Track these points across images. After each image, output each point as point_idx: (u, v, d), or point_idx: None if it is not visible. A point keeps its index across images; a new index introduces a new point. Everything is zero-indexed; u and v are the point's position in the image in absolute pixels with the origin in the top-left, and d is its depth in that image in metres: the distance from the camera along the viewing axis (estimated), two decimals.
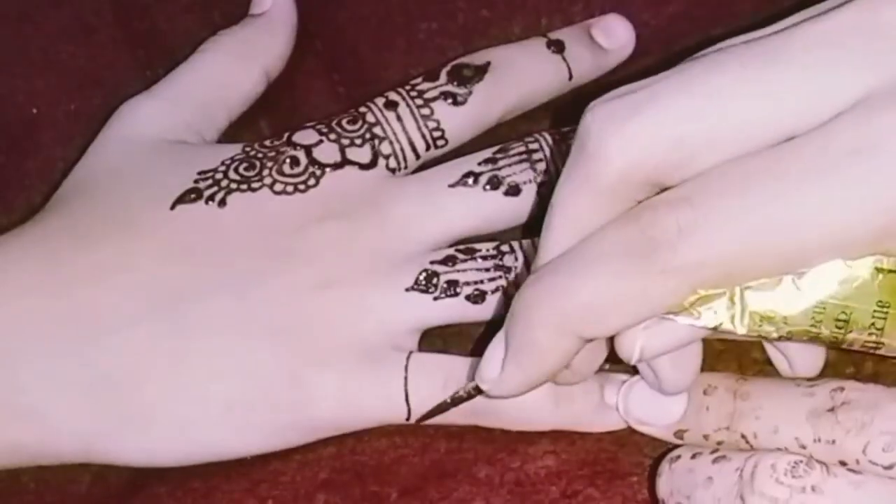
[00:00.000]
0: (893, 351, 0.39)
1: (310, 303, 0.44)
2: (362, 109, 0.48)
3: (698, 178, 0.37)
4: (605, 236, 0.38)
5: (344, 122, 0.48)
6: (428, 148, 0.48)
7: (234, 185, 0.46)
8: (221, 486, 0.44)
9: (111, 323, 0.44)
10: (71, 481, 0.46)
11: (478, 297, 0.45)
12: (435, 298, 0.45)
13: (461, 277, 0.45)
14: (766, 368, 0.44)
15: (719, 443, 0.41)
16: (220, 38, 0.51)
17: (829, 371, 0.43)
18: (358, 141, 0.47)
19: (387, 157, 0.47)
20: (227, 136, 0.50)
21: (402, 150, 0.48)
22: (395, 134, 0.48)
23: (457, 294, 0.45)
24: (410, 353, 0.45)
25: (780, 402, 0.41)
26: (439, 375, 0.44)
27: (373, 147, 0.47)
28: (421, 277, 0.45)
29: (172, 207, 0.46)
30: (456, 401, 0.42)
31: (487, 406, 0.44)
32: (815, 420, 0.40)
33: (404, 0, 0.51)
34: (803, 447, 0.39)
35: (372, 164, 0.47)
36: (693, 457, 0.41)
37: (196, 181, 0.46)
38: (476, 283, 0.45)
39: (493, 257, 0.45)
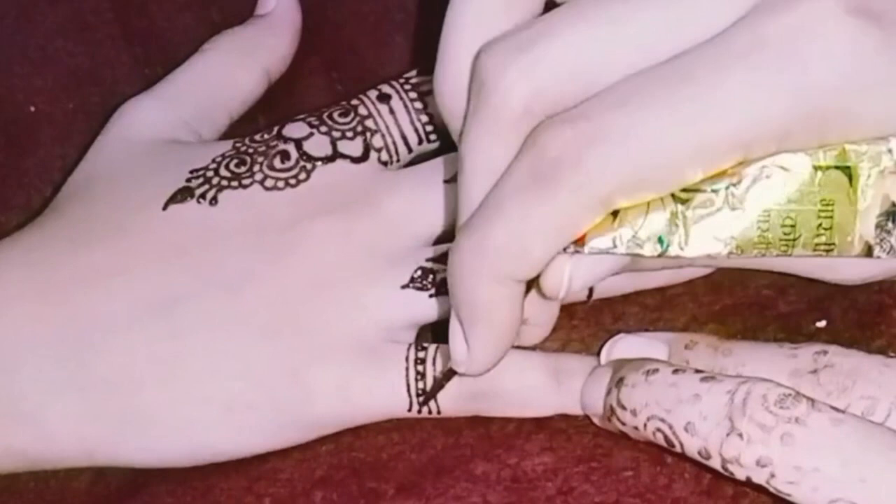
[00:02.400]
0: (845, 251, 0.39)
1: (305, 301, 0.44)
2: (354, 102, 0.48)
3: (594, 95, 0.37)
4: (510, 171, 0.38)
5: (335, 115, 0.48)
6: (420, 142, 0.48)
7: (225, 183, 0.46)
8: (220, 483, 0.45)
9: (107, 326, 0.44)
10: (71, 480, 0.46)
11: None
12: (431, 296, 0.45)
13: None
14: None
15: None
16: (221, 38, 0.51)
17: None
18: (349, 134, 0.47)
19: (378, 151, 0.47)
20: (226, 134, 0.50)
21: (394, 143, 0.47)
22: (387, 127, 0.47)
23: None
24: (409, 344, 0.45)
25: (763, 360, 0.41)
26: (440, 364, 0.44)
27: (364, 140, 0.47)
28: (416, 275, 0.45)
29: (165, 208, 0.46)
30: (440, 382, 0.43)
31: (490, 392, 0.44)
32: (797, 380, 0.40)
33: None
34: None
35: (363, 157, 0.47)
36: (675, 372, 0.40)
37: (188, 180, 0.46)
38: None
39: None
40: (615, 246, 0.39)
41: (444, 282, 0.45)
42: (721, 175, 0.38)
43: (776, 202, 0.38)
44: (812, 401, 0.38)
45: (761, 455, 0.38)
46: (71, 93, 0.53)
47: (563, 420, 0.44)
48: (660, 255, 0.39)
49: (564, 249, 0.39)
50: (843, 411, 0.38)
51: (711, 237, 0.39)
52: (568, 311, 0.45)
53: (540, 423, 0.44)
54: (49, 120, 0.52)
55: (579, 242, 0.39)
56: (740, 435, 0.38)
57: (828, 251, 0.39)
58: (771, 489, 0.38)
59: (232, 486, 0.44)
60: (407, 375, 0.44)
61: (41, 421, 0.44)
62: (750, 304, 0.45)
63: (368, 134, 0.47)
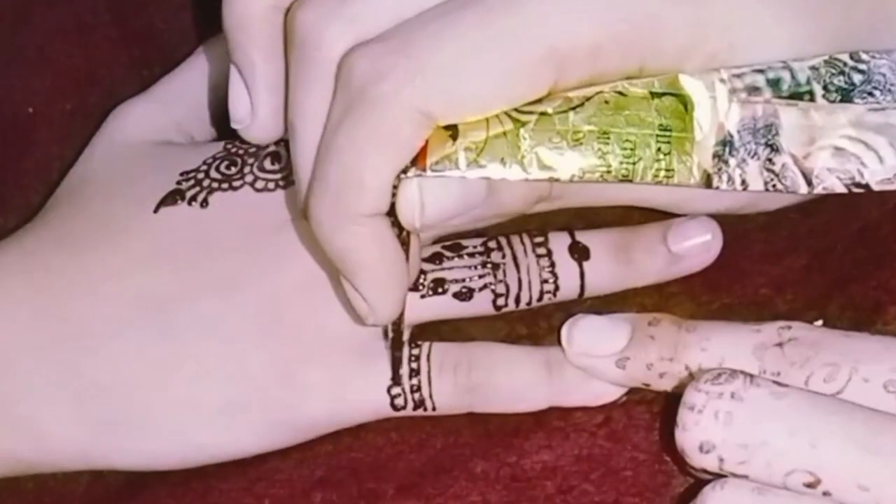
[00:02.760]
0: (685, 179, 0.40)
1: (296, 302, 0.44)
2: None
3: (403, 21, 0.38)
4: (330, 112, 0.39)
5: None
6: None
7: (215, 185, 0.46)
8: (219, 484, 0.45)
9: (101, 331, 0.44)
10: (69, 481, 0.46)
11: (465, 295, 0.45)
12: (422, 296, 0.45)
13: (448, 275, 0.45)
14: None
15: (661, 374, 0.41)
16: (216, 41, 0.51)
17: None
18: None
19: None
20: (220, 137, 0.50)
21: None
22: None
23: (444, 292, 0.45)
24: (403, 342, 0.45)
25: (727, 335, 0.41)
26: (435, 358, 0.44)
27: None
28: None
29: (156, 210, 0.46)
30: (393, 353, 0.43)
31: (483, 387, 0.44)
32: (762, 353, 0.40)
33: None
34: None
35: None
36: None
37: (179, 182, 0.46)
38: (463, 280, 0.45)
39: (480, 254, 0.45)
40: (457, 166, 0.39)
41: (435, 283, 0.45)
42: (560, 99, 0.39)
43: (615, 125, 0.39)
44: (751, 376, 0.38)
45: (701, 440, 0.38)
46: (69, 94, 0.53)
47: (561, 418, 0.44)
48: (503, 178, 0.39)
49: (406, 173, 0.39)
50: (785, 385, 0.38)
51: (553, 160, 0.39)
52: (567, 312, 0.45)
53: (538, 422, 0.44)
54: (47, 121, 0.52)
55: (421, 166, 0.39)
56: (676, 424, 0.38)
57: (668, 178, 0.39)
58: (729, 476, 0.38)
59: (231, 488, 0.45)
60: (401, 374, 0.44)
61: (36, 425, 0.44)
62: (748, 303, 0.45)
63: None
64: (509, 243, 0.45)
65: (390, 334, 0.43)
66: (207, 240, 0.45)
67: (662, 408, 0.43)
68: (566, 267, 0.45)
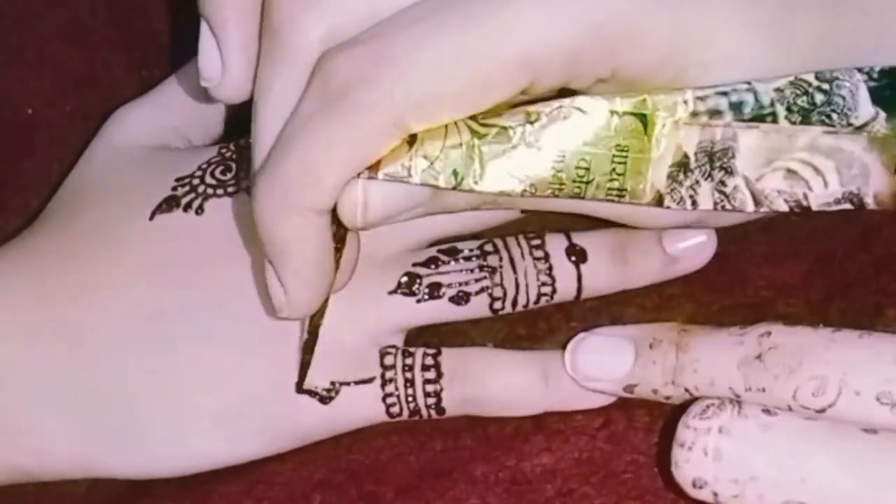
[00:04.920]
0: (637, 198, 0.40)
1: None
2: None
3: (383, 20, 0.38)
4: (301, 101, 0.38)
5: None
6: None
7: (210, 191, 0.46)
8: (219, 488, 0.45)
9: (98, 341, 0.44)
10: (69, 485, 0.46)
11: (461, 299, 0.45)
12: (418, 301, 0.45)
13: (444, 279, 0.45)
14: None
15: (667, 397, 0.41)
16: None
17: None
18: None
19: None
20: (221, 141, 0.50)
21: None
22: None
23: (440, 296, 0.45)
24: (397, 349, 0.45)
25: (714, 353, 0.41)
26: (418, 365, 0.44)
27: None
28: (403, 280, 0.45)
29: (151, 217, 0.46)
30: (303, 357, 0.43)
31: (479, 394, 0.44)
32: (746, 369, 0.40)
33: None
34: (738, 397, 0.39)
35: None
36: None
37: (174, 188, 0.46)
38: (459, 284, 0.45)
39: (476, 258, 0.45)
40: (410, 175, 0.39)
41: (431, 287, 0.45)
42: (518, 113, 0.39)
43: (572, 143, 0.39)
44: (739, 405, 0.38)
45: (694, 477, 0.38)
46: (68, 96, 0.53)
47: (561, 421, 0.44)
48: (454, 188, 0.39)
49: (358, 176, 0.39)
50: (774, 413, 0.38)
51: (506, 174, 0.39)
52: (566, 313, 0.45)
53: (538, 425, 0.44)
54: (46, 123, 0.52)
55: (374, 169, 0.39)
56: (668, 460, 0.38)
57: (620, 197, 0.40)
58: None
59: (230, 490, 0.45)
60: (395, 381, 0.44)
61: (36, 435, 0.44)
62: (748, 305, 0.45)
63: None
64: (506, 246, 0.45)
65: (305, 336, 0.43)
66: (203, 248, 0.45)
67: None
68: (563, 269, 0.45)
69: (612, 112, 0.39)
